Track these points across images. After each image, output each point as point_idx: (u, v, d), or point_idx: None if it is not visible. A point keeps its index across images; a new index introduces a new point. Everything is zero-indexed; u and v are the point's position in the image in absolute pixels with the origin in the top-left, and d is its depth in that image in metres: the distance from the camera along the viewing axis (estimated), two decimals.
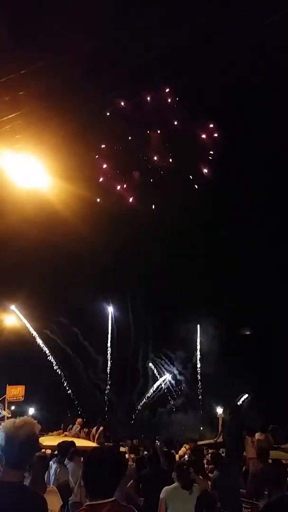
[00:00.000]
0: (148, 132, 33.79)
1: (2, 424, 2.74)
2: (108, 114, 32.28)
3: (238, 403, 26.53)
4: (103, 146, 32.99)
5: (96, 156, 32.97)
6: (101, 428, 14.94)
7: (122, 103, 32.64)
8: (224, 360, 31.62)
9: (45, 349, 33.03)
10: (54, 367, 33.05)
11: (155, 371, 36.35)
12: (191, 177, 33.95)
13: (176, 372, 36.45)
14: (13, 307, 29.79)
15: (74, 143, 25.40)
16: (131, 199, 34.54)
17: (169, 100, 33.17)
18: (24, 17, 21.69)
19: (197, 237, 32.73)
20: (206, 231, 33.07)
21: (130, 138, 33.30)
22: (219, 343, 32.75)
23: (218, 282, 32.25)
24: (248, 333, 34.24)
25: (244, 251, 32.01)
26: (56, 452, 8.60)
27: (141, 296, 34.39)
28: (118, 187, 34.90)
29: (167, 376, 36.57)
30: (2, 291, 27.37)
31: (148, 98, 32.81)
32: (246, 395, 32.51)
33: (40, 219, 25.21)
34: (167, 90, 32.75)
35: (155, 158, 34.48)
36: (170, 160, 34.00)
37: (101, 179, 33.73)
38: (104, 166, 34.03)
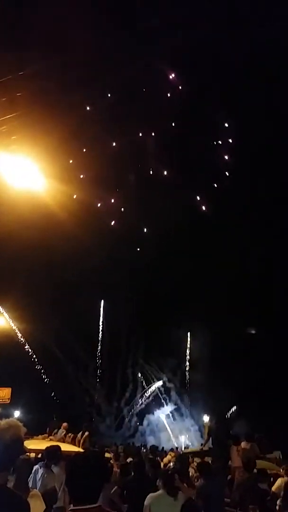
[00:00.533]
0: (141, 134, 29.06)
1: None
2: (88, 108, 26.26)
3: (227, 415, 26.61)
4: (84, 150, 28.01)
5: (70, 161, 26.94)
6: (87, 433, 14.82)
7: (109, 95, 26.29)
8: (212, 368, 31.66)
9: (32, 352, 32.75)
10: (41, 371, 32.76)
11: (143, 380, 36.22)
12: (198, 198, 31.31)
13: (165, 379, 36.33)
14: None
15: (69, 145, 25.34)
16: (113, 223, 29.98)
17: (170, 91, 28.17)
18: (21, 19, 21.74)
19: (192, 239, 32.63)
20: (201, 234, 32.92)
21: (115, 142, 28.35)
22: (209, 351, 32.78)
23: (210, 287, 32.24)
24: (253, 332, 34.00)
25: (237, 259, 32.01)
26: (40, 456, 8.48)
27: (133, 299, 34.29)
28: (99, 205, 29.82)
29: (157, 383, 36.43)
30: None
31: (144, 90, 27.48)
32: (235, 407, 32.54)
33: (35, 220, 25.10)
34: (172, 75, 27.77)
35: (150, 168, 30.38)
36: (166, 173, 30.66)
37: (75, 196, 27.51)
38: (82, 176, 28.33)
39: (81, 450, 11.45)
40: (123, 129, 29.60)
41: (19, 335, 32.36)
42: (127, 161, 31.43)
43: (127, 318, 34.07)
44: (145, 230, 32.05)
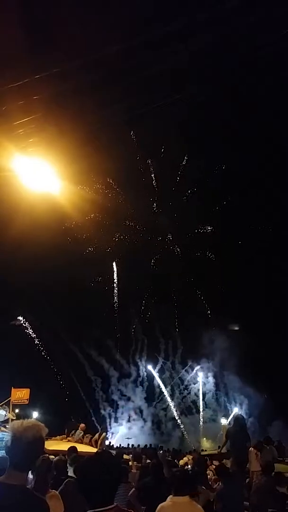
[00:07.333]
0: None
1: (10, 424, 2.73)
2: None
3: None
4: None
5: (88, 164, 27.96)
6: (104, 434, 14.93)
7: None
8: (241, 370, 31.39)
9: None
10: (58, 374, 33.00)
11: (160, 382, 35.89)
12: None
13: (204, 382, 35.79)
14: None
15: (86, 148, 25.53)
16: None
17: None
18: (39, 22, 21.88)
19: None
20: None
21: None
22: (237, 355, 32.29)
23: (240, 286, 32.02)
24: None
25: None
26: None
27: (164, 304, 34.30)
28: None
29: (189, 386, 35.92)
30: (13, 296, 27.56)
31: None
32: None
33: (52, 223, 25.29)
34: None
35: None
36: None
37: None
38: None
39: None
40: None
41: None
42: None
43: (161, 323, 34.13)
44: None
